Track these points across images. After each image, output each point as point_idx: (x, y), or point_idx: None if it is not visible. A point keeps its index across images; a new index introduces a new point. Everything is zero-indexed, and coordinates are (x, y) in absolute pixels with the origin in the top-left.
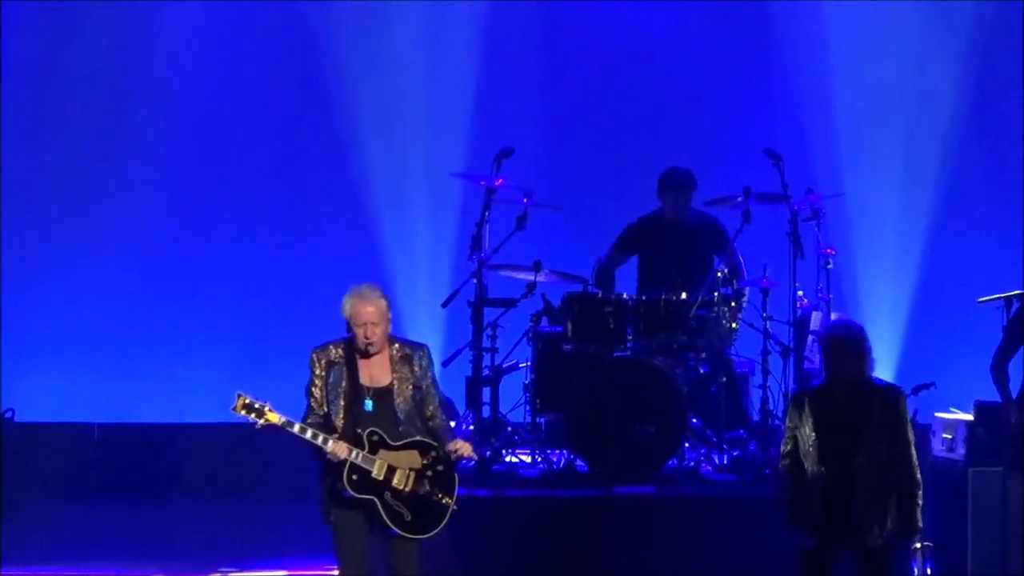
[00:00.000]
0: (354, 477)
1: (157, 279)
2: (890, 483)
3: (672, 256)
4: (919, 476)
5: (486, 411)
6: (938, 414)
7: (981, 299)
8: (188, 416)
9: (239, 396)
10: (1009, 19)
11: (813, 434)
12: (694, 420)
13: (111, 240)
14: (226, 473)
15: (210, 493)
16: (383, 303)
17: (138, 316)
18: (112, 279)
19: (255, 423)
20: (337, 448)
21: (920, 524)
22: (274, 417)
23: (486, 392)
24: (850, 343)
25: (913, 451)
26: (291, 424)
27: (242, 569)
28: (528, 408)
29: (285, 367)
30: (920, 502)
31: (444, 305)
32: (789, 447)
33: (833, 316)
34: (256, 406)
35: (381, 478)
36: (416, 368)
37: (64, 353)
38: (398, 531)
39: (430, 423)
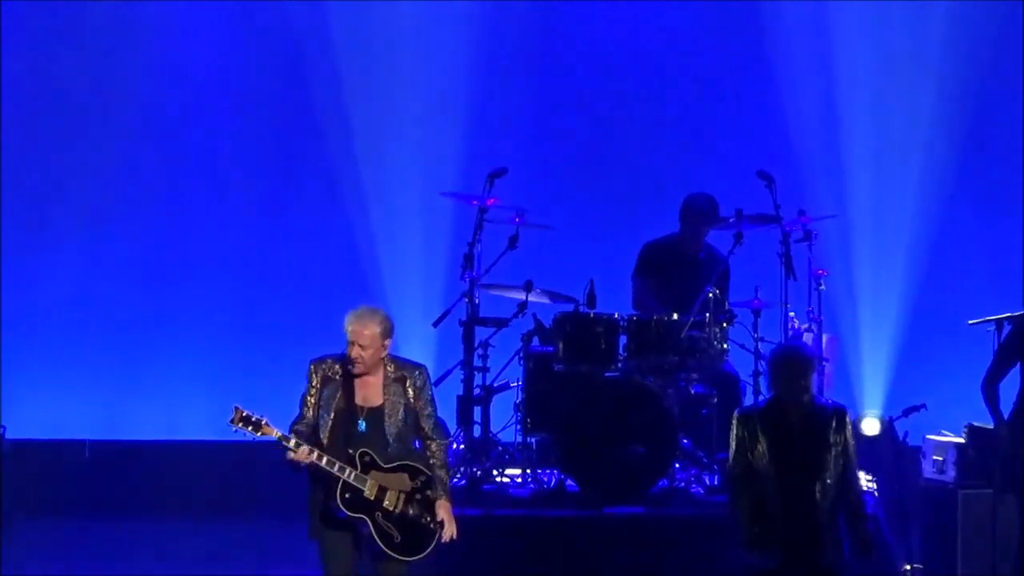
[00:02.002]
0: (347, 495)
1: (149, 296)
2: (839, 504)
3: (676, 286)
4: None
5: (477, 430)
6: (930, 436)
7: (972, 321)
8: (180, 433)
9: (237, 409)
10: (1005, 37)
11: (767, 454)
12: (685, 441)
13: (103, 257)
14: (217, 490)
15: (201, 510)
16: (377, 328)
17: (130, 334)
18: (104, 296)
19: (252, 436)
20: (299, 454)
21: (870, 544)
22: (271, 431)
23: (477, 411)
24: (798, 364)
25: (856, 471)
26: (287, 439)
27: None
28: (519, 427)
29: (278, 386)
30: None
31: (436, 324)
32: (738, 470)
33: (825, 337)
34: (254, 419)
35: (373, 498)
36: (410, 390)
37: (55, 370)
38: (387, 551)
39: (426, 445)
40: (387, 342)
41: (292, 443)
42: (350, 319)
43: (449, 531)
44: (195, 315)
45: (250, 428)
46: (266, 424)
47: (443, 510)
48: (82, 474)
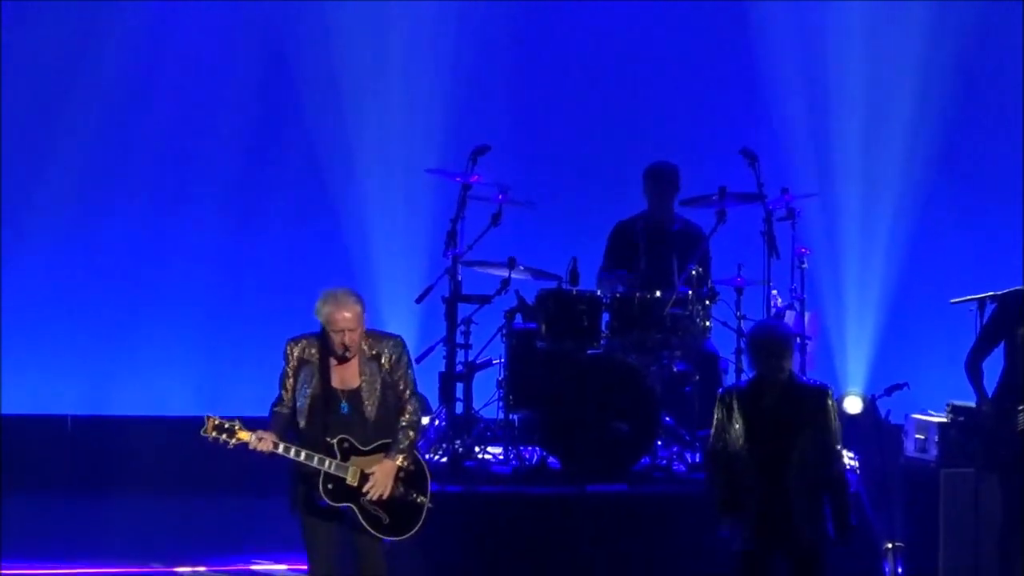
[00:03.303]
0: (329, 486)
1: (130, 272)
2: (820, 482)
3: (651, 260)
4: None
5: (459, 407)
6: (913, 415)
7: (954, 300)
8: (162, 409)
9: (208, 419)
10: (991, 14)
11: (744, 434)
12: (667, 418)
13: (83, 233)
14: (200, 467)
15: (183, 487)
16: (358, 308)
17: (111, 309)
18: (85, 272)
19: (227, 444)
20: (263, 444)
21: (852, 522)
22: (245, 436)
23: (459, 388)
24: (775, 342)
25: (841, 449)
26: (261, 439)
27: (215, 563)
28: (501, 404)
29: (260, 362)
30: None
31: (418, 301)
32: (719, 446)
33: (807, 315)
34: (226, 426)
35: (356, 484)
36: (385, 364)
37: (37, 345)
38: (377, 534)
39: (400, 409)
40: (364, 316)
41: (270, 446)
42: (329, 307)
43: (375, 491)
44: (177, 291)
45: (224, 436)
46: (240, 428)
47: (381, 469)
48: (64, 450)
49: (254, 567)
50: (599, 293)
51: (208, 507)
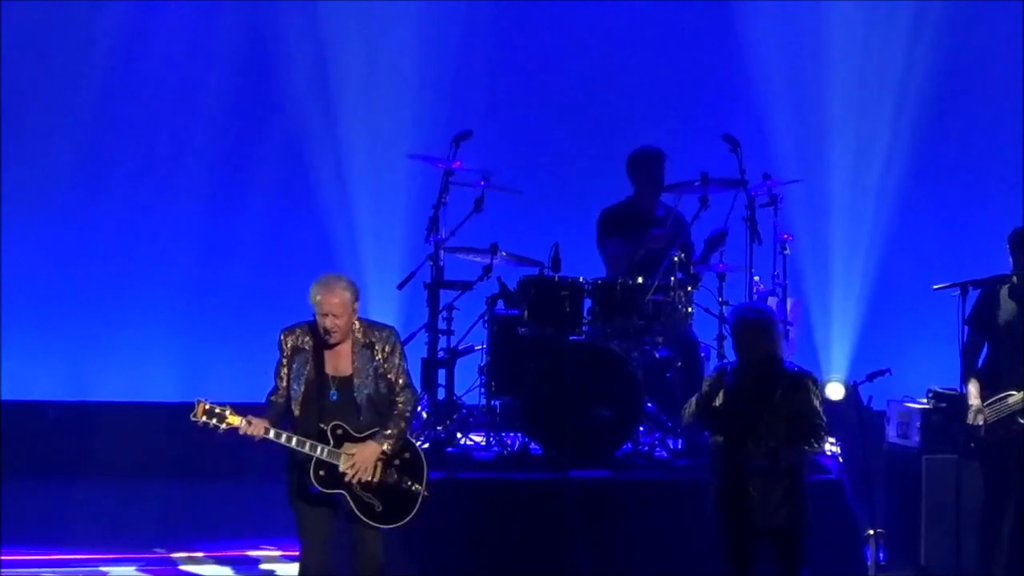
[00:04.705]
0: (321, 473)
1: (112, 258)
2: (789, 467)
3: (638, 245)
4: (823, 433)
5: (441, 393)
6: (895, 401)
7: (937, 286)
8: (144, 395)
9: (199, 403)
10: (968, 2)
11: (721, 408)
12: (649, 404)
13: (64, 218)
14: (182, 452)
15: (167, 473)
16: (347, 295)
17: (93, 295)
18: (66, 257)
19: (217, 429)
20: (253, 428)
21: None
22: (235, 420)
23: (441, 374)
24: (757, 324)
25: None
26: (249, 424)
27: (202, 550)
28: (483, 391)
29: (241, 347)
30: (818, 445)
31: (400, 287)
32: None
33: (789, 302)
34: (217, 411)
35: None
36: (378, 353)
37: (18, 331)
38: (369, 522)
39: (393, 401)
40: (356, 306)
41: (261, 431)
42: (317, 290)
43: (354, 473)
44: (161, 277)
45: (214, 421)
46: (231, 413)
47: (363, 450)
48: (45, 436)
49: (250, 553)
50: (594, 278)
51: (195, 493)
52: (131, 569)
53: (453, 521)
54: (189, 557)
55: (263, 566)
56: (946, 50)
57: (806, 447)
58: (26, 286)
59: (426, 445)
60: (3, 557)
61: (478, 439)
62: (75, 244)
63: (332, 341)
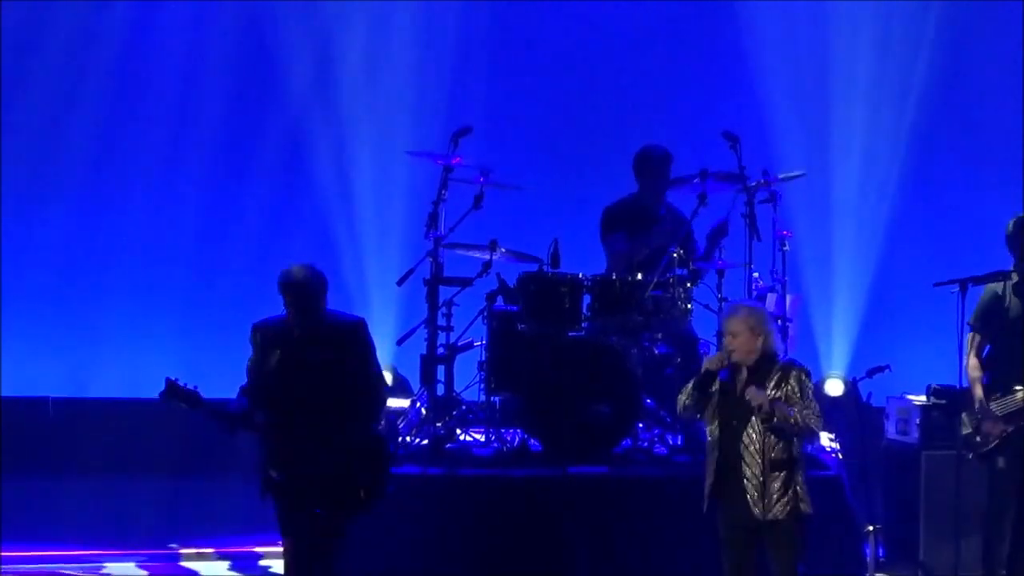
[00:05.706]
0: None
1: (111, 254)
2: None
3: (643, 244)
4: (817, 417)
5: (440, 389)
6: (894, 397)
7: (937, 283)
8: (144, 391)
9: (168, 381)
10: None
11: (714, 405)
12: (649, 400)
13: (64, 215)
14: (180, 449)
15: (164, 468)
16: (312, 282)
17: (91, 291)
18: (66, 253)
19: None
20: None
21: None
22: (205, 406)
23: (441, 370)
24: (731, 320)
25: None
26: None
27: (202, 545)
28: (482, 387)
29: (240, 344)
30: (813, 426)
31: (400, 283)
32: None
33: (789, 298)
34: (186, 391)
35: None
36: (347, 344)
37: (16, 327)
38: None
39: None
40: (325, 297)
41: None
42: (287, 283)
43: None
44: (160, 273)
45: (184, 403)
46: (199, 397)
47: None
48: (45, 432)
49: (252, 549)
50: (593, 274)
51: (191, 488)
52: (131, 564)
53: (452, 517)
54: (191, 553)
55: (262, 562)
56: (947, 47)
57: (799, 419)
58: (26, 282)
59: (425, 441)
60: (3, 553)
61: (477, 435)
62: (75, 240)
63: (298, 333)
